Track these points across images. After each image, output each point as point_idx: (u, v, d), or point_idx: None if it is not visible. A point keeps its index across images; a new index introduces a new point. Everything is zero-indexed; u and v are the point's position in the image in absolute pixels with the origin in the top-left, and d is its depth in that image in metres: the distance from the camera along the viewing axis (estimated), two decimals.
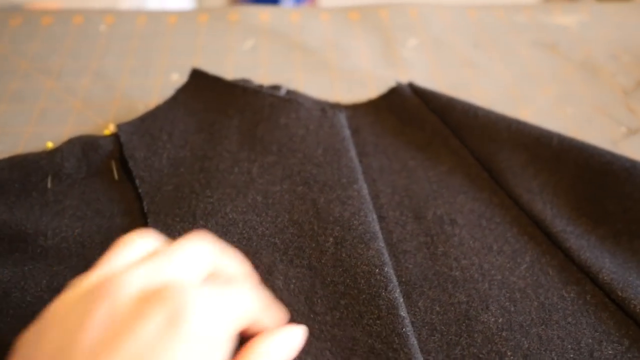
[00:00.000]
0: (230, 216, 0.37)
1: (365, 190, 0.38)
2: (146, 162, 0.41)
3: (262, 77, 0.53)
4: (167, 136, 0.43)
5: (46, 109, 0.48)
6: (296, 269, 0.34)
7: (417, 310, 0.33)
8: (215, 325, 0.22)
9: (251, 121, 0.43)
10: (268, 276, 0.33)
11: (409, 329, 0.31)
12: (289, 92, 0.48)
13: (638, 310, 0.33)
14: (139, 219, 0.38)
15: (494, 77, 0.53)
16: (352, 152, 0.41)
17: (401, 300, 0.32)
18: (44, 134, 0.46)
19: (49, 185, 0.40)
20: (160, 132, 0.43)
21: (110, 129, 0.46)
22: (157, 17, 0.61)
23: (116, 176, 0.41)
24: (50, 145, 0.44)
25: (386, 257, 0.34)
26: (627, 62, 0.56)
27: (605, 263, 0.36)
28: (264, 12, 0.62)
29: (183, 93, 0.46)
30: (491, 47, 0.58)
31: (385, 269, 0.33)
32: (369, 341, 0.30)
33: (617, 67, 0.55)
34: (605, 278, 0.35)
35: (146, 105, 0.49)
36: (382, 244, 0.35)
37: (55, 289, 0.34)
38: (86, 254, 0.36)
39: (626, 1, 0.67)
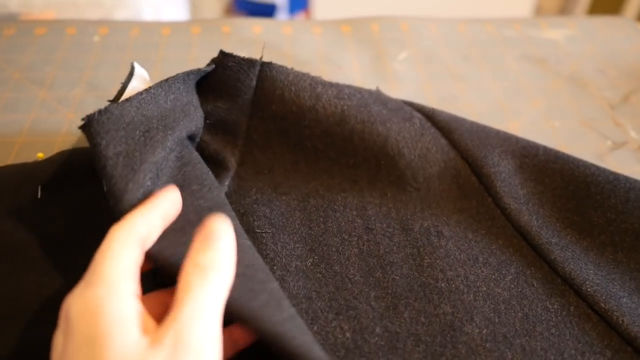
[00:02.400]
0: None
1: None
2: None
3: None
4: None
5: (38, 119, 0.49)
6: None
7: (403, 321, 0.34)
8: None
9: None
10: None
11: None
12: None
13: (620, 322, 0.34)
14: None
15: (483, 90, 0.54)
16: None
17: None
18: (35, 144, 0.46)
19: (39, 195, 0.40)
20: None
21: None
22: (150, 28, 0.61)
23: (105, 186, 0.41)
24: (41, 155, 0.44)
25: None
26: (614, 77, 0.57)
27: (589, 275, 0.36)
28: (257, 25, 0.62)
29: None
30: (481, 60, 0.59)
31: None
32: None
33: (604, 81, 0.56)
34: (589, 290, 0.35)
35: None
36: None
37: (44, 299, 0.34)
38: (75, 264, 0.36)
39: (615, 15, 0.68)
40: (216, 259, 0.26)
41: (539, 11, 1.92)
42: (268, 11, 1.84)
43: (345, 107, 0.41)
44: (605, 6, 1.75)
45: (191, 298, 0.24)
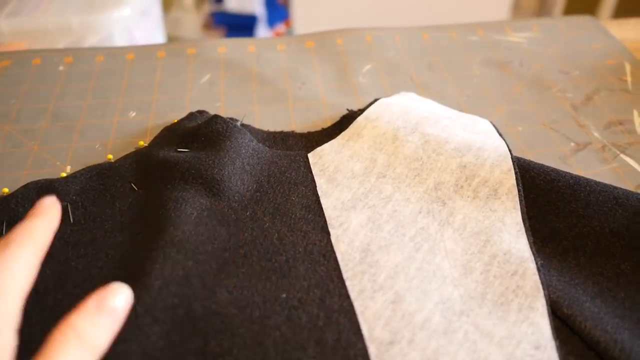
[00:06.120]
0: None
1: None
2: None
3: (219, 109, 0.53)
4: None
5: (3, 154, 0.48)
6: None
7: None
8: None
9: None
10: None
11: None
12: (243, 125, 0.49)
13: (583, 327, 0.34)
14: (93, 262, 0.38)
15: (447, 98, 0.55)
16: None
17: None
18: (0, 180, 0.46)
19: (3, 231, 0.40)
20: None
21: (67, 171, 0.47)
22: (115, 54, 0.61)
23: (71, 219, 0.41)
24: (6, 191, 0.44)
25: None
26: (576, 77, 0.57)
27: (552, 281, 0.36)
28: (222, 45, 0.62)
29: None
30: (444, 68, 0.59)
31: None
32: None
33: (566, 82, 0.57)
34: (552, 296, 0.35)
35: (103, 145, 0.49)
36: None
37: None
38: (40, 299, 0.36)
39: (591, 13, 0.69)
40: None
41: (517, 11, 1.94)
42: (248, 23, 1.85)
43: None
44: (582, 4, 1.77)
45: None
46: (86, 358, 0.27)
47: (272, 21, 1.91)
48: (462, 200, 0.41)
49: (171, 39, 1.71)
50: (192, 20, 1.87)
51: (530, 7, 2.00)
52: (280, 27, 1.94)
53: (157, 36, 1.18)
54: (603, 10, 1.72)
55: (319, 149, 0.46)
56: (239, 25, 1.85)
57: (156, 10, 1.16)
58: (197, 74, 0.58)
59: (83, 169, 0.45)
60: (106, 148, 0.49)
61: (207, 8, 1.89)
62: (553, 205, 0.40)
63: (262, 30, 1.86)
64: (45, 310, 0.36)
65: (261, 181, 0.43)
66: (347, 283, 0.36)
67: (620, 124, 0.51)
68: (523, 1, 1.99)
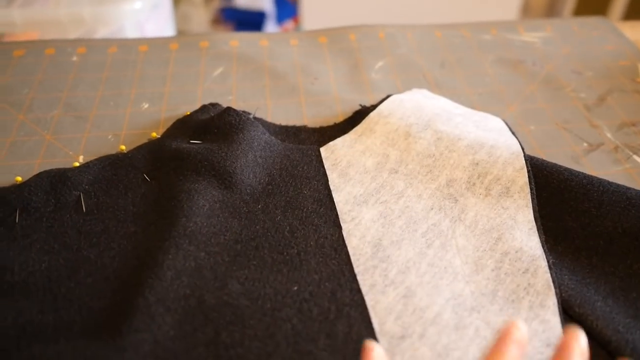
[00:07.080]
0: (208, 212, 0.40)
1: None
2: None
3: (231, 102, 0.53)
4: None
5: (16, 143, 0.49)
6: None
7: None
8: None
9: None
10: None
11: None
12: (255, 118, 0.49)
13: (595, 326, 0.34)
14: (105, 252, 0.38)
15: (459, 96, 0.54)
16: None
17: None
18: (13, 168, 0.46)
19: (16, 219, 0.40)
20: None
21: (80, 161, 0.47)
22: (128, 45, 0.61)
23: (84, 208, 0.41)
24: (19, 179, 0.44)
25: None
26: (590, 77, 0.57)
27: (564, 280, 0.36)
28: (234, 39, 0.63)
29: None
30: (457, 66, 0.59)
31: None
32: None
33: (579, 82, 0.57)
34: (564, 295, 0.35)
35: (115, 135, 0.49)
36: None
37: (21, 325, 0.34)
38: (53, 288, 0.36)
39: (602, 14, 0.68)
40: None
41: (526, 12, 1.93)
42: (257, 20, 1.85)
43: None
44: (592, 5, 1.76)
45: None
46: None
47: (280, 18, 1.91)
48: (474, 198, 0.41)
49: (180, 33, 1.71)
50: (201, 16, 1.87)
51: (539, 8, 1.99)
52: (289, 24, 1.94)
53: (168, 30, 1.18)
54: (613, 12, 1.72)
55: (331, 143, 0.46)
56: (248, 22, 1.85)
57: (167, 4, 1.16)
58: (210, 67, 0.58)
59: (96, 159, 0.45)
60: (119, 139, 0.49)
61: (217, 4, 1.89)
62: (566, 204, 0.40)
63: (271, 27, 1.86)
64: (57, 299, 0.36)
65: (273, 174, 0.43)
66: (359, 277, 0.36)
67: (633, 125, 0.51)
68: (532, 2, 1.98)
